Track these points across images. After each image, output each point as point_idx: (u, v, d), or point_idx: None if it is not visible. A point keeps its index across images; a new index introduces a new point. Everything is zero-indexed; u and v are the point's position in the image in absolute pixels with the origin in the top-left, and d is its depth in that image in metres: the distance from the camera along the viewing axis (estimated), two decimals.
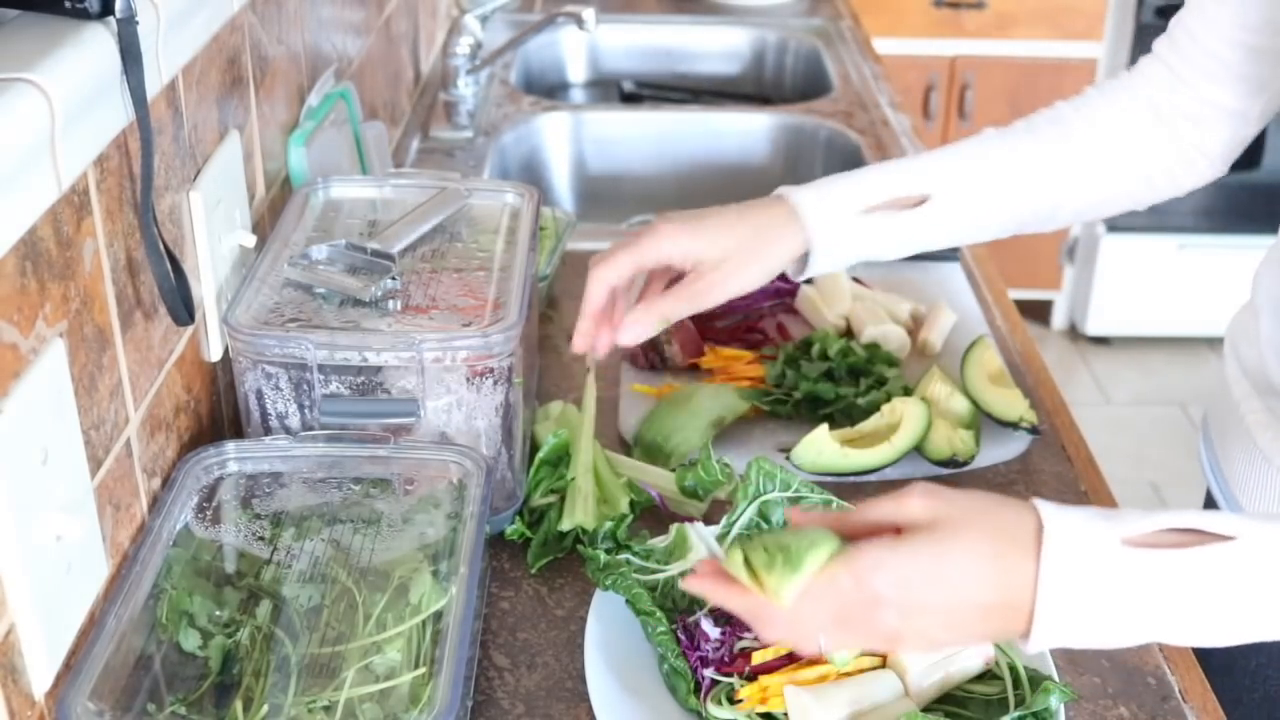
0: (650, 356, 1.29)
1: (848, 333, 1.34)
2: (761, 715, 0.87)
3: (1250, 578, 0.71)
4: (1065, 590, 0.71)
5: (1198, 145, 1.07)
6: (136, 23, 0.79)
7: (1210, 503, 1.19)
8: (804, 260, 1.05)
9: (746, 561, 0.76)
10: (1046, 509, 0.73)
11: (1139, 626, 0.72)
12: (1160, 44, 1.08)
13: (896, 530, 0.74)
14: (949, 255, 1.51)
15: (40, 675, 0.74)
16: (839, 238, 1.03)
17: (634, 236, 1.02)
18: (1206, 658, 1.07)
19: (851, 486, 1.13)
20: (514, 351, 1.00)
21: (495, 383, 1.00)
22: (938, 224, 1.05)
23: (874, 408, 1.19)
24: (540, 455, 1.09)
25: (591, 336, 1.02)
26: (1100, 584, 0.71)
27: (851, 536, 0.75)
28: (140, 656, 0.81)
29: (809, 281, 1.36)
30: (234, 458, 0.96)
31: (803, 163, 2.04)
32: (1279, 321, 1.05)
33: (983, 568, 0.72)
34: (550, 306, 1.44)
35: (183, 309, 0.91)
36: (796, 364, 1.25)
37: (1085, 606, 0.71)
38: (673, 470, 1.12)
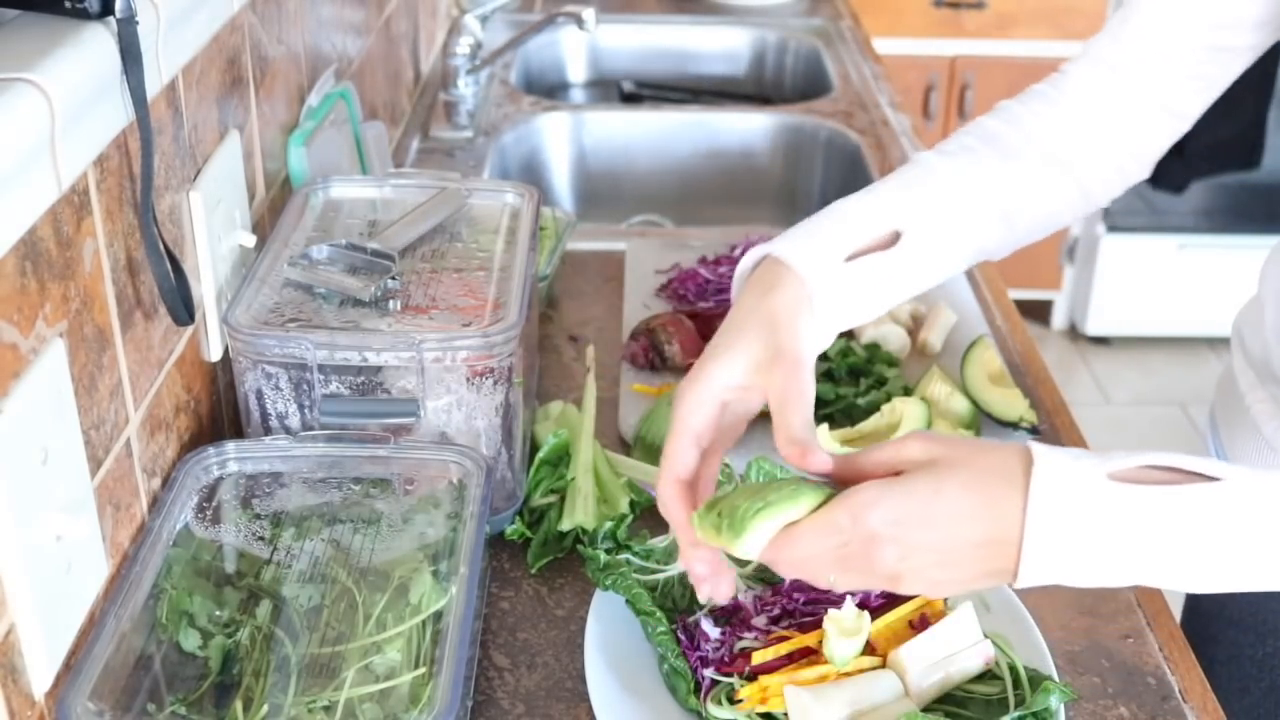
0: (650, 356, 1.29)
1: (848, 333, 1.34)
2: (761, 715, 0.87)
3: (1234, 519, 0.71)
4: (1051, 523, 0.72)
5: (1133, 150, 1.03)
6: (136, 23, 0.79)
7: None
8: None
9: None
10: (1038, 448, 0.74)
11: (1124, 564, 0.73)
12: (1100, 44, 1.02)
13: (897, 474, 0.76)
14: None
15: (40, 675, 0.74)
16: (832, 284, 0.89)
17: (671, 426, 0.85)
18: (1211, 646, 1.07)
19: None
20: (514, 351, 1.00)
21: (495, 383, 1.00)
22: (914, 262, 0.94)
23: (874, 408, 1.19)
24: (540, 455, 1.09)
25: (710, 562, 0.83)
26: (1086, 517, 0.72)
27: (853, 481, 0.77)
28: (140, 656, 0.81)
29: None
30: (234, 458, 0.96)
31: (803, 162, 2.04)
32: None
33: (974, 505, 0.73)
34: (550, 306, 1.44)
35: (183, 309, 0.91)
36: None
37: (1071, 540, 0.72)
38: None
